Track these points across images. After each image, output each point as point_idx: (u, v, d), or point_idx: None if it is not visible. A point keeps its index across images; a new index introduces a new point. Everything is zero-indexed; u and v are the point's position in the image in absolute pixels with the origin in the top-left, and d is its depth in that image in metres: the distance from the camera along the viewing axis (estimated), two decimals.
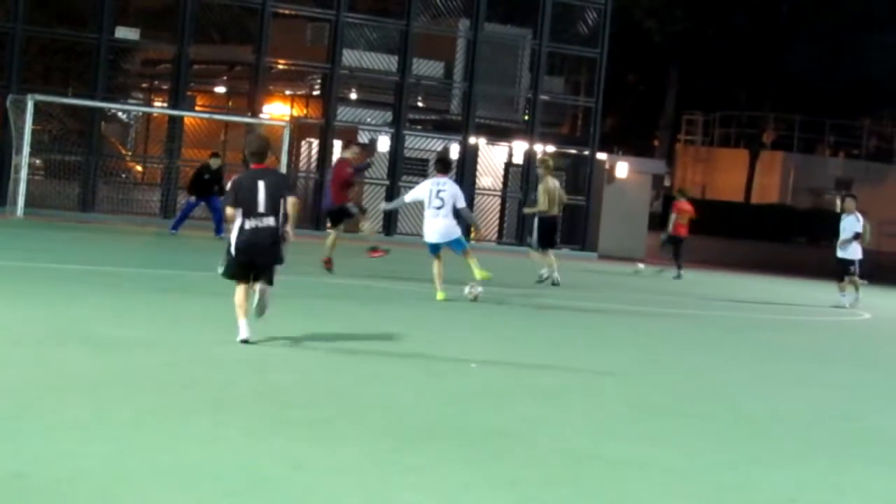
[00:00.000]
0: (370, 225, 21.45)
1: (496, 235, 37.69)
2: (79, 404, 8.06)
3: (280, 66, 36.10)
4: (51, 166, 32.47)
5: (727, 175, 51.05)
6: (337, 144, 35.46)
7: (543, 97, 38.11)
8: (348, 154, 20.78)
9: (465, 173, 36.42)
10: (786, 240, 45.58)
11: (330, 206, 20.49)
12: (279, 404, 8.63)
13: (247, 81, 35.37)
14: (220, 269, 11.64)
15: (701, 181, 52.30)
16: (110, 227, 29.07)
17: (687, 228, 30.89)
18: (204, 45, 34.82)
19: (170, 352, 10.71)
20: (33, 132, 29.51)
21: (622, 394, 10.64)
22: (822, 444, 9.12)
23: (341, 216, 20.20)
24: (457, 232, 17.49)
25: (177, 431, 7.50)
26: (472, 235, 37.37)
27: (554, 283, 22.48)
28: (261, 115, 34.41)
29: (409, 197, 18.32)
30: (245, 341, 11.17)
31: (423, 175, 36.03)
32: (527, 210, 23.44)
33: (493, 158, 37.92)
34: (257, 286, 11.41)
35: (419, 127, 37.90)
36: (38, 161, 31.90)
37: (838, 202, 27.13)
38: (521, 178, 37.51)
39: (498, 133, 38.05)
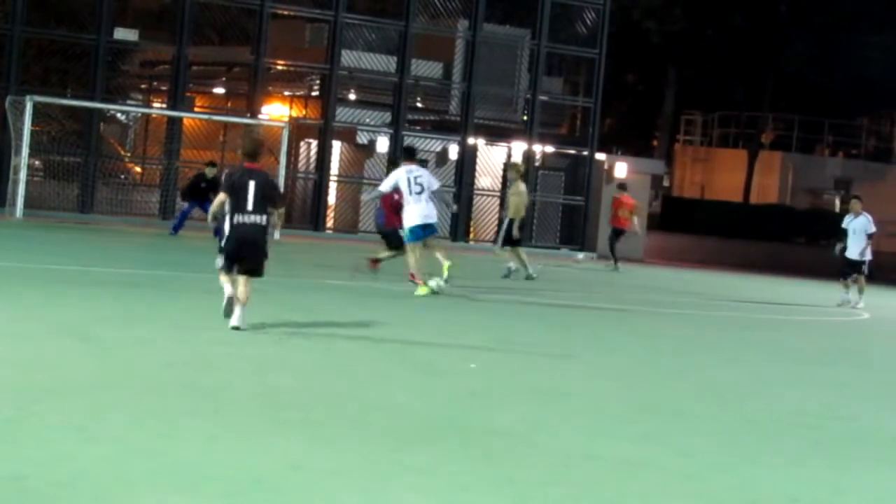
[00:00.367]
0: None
1: (494, 236, 37.64)
2: (77, 406, 8.05)
3: (279, 67, 36.10)
4: (50, 167, 32.46)
5: (726, 175, 51.05)
6: (336, 145, 35.47)
7: (542, 97, 38.11)
8: None
9: (464, 174, 36.42)
10: (785, 240, 45.59)
11: (383, 229, 20.39)
12: (278, 405, 8.62)
13: (245, 82, 35.37)
14: (219, 264, 12.29)
15: (700, 181, 52.31)
16: (109, 228, 29.06)
17: (629, 222, 31.71)
18: (202, 46, 34.80)
19: (168, 353, 10.70)
20: (32, 133, 29.51)
21: (621, 393, 10.63)
22: (822, 444, 9.12)
23: (394, 239, 19.83)
24: (436, 216, 18.17)
25: (175, 432, 7.49)
26: (472, 236, 37.39)
27: (528, 277, 22.89)
28: (260, 116, 34.40)
29: (386, 185, 18.31)
30: (230, 309, 12.17)
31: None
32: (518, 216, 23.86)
33: (492, 159, 37.92)
34: (241, 279, 12.08)
35: (418, 128, 37.90)
36: (37, 162, 31.89)
37: (837, 202, 27.16)
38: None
39: (497, 133, 38.05)
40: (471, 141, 36.73)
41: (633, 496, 6.99)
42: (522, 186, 23.89)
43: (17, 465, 6.45)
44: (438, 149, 36.61)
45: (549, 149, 38.68)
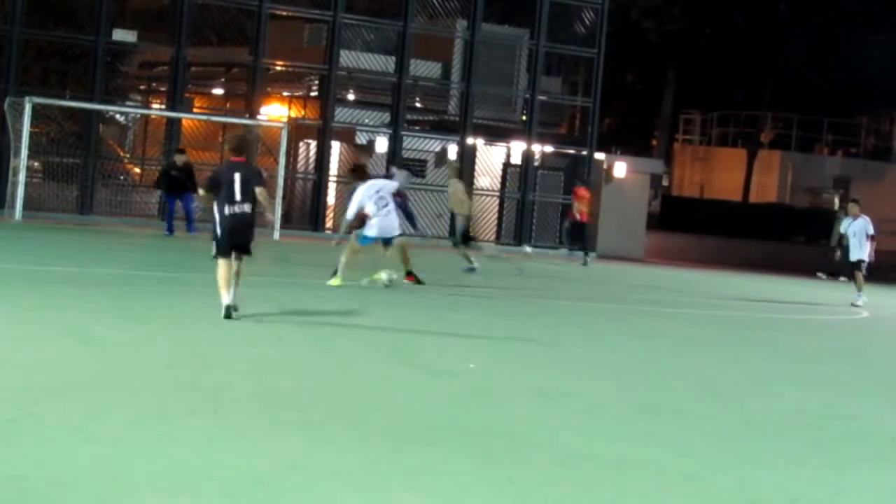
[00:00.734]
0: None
1: (494, 236, 37.65)
2: (77, 406, 8.05)
3: (277, 68, 36.08)
4: (49, 169, 32.44)
5: (725, 174, 51.02)
6: (335, 145, 35.46)
7: (541, 97, 38.10)
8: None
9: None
10: (784, 239, 45.57)
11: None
12: (277, 405, 8.62)
13: (244, 83, 35.35)
14: (213, 253, 13.32)
15: (699, 180, 52.28)
16: (109, 229, 29.05)
17: (586, 215, 32.44)
18: (201, 47, 34.77)
19: (168, 353, 10.71)
20: (31, 135, 29.49)
21: (620, 393, 10.63)
22: (822, 443, 9.12)
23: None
24: (398, 227, 18.93)
25: (175, 433, 7.49)
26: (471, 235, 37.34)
27: (470, 270, 23.29)
28: (258, 117, 34.40)
29: (351, 212, 18.51)
30: (228, 315, 12.90)
31: (422, 176, 36.04)
32: (461, 212, 24.29)
33: (491, 159, 37.92)
34: (234, 264, 13.18)
35: (417, 128, 37.89)
36: (36, 163, 31.86)
37: (836, 201, 27.26)
38: (520, 178, 37.50)
39: (496, 133, 38.05)
40: (470, 141, 36.73)
41: (633, 496, 6.99)
42: (457, 184, 24.42)
43: (17, 466, 6.45)
44: (437, 149, 36.60)
45: (549, 148, 38.67)
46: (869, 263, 24.03)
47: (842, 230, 24.61)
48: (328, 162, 35.02)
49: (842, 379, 13.29)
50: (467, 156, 36.62)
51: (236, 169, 13.24)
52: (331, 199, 35.51)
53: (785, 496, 7.32)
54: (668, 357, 13.84)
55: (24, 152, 29.20)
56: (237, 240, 13.22)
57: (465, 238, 24.00)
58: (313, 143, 35.49)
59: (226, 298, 13.03)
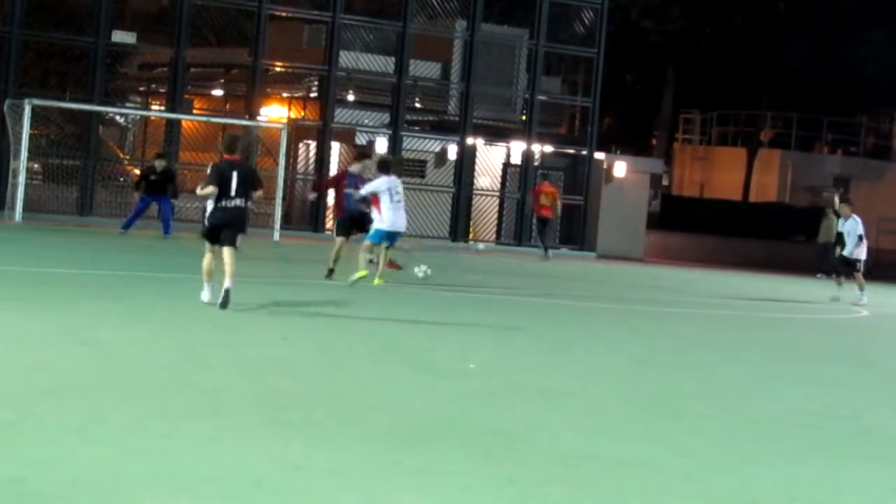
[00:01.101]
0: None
1: (494, 236, 37.67)
2: (77, 408, 8.05)
3: (277, 69, 36.08)
4: (49, 170, 32.45)
5: (725, 173, 51.02)
6: (335, 146, 35.46)
7: (541, 97, 38.11)
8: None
9: (463, 174, 36.42)
10: (784, 238, 45.57)
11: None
12: (277, 406, 8.62)
13: (244, 84, 35.36)
14: (202, 231, 14.62)
15: (699, 180, 52.27)
16: (108, 231, 29.04)
17: (550, 210, 32.99)
18: (201, 48, 34.78)
19: (168, 354, 10.70)
20: (31, 136, 29.49)
21: (620, 393, 10.63)
22: (823, 443, 9.11)
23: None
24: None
25: (175, 433, 7.49)
26: (472, 236, 37.40)
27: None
28: (258, 118, 34.40)
29: (363, 192, 19.12)
30: (225, 305, 13.76)
31: (422, 177, 36.05)
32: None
33: (491, 159, 37.92)
34: (225, 251, 14.18)
35: (417, 128, 37.91)
36: (36, 165, 31.87)
37: (836, 199, 27.32)
38: (519, 178, 37.51)
39: (495, 133, 38.05)
40: (470, 141, 36.73)
41: (633, 496, 6.98)
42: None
43: (17, 468, 6.45)
44: (437, 149, 36.60)
45: (548, 148, 38.67)
46: (857, 263, 24.18)
47: (838, 230, 24.94)
48: (328, 163, 35.02)
49: (842, 378, 13.28)
50: (467, 156, 36.63)
51: (234, 167, 14.35)
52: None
53: (785, 496, 7.31)
54: (668, 357, 13.84)
55: (24, 154, 29.21)
56: (227, 229, 14.26)
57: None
58: (313, 144, 35.50)
59: (206, 293, 14.36)
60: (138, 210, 27.81)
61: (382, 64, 36.01)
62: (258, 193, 14.71)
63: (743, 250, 43.16)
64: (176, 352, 10.93)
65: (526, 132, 37.71)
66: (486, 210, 37.75)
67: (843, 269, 24.68)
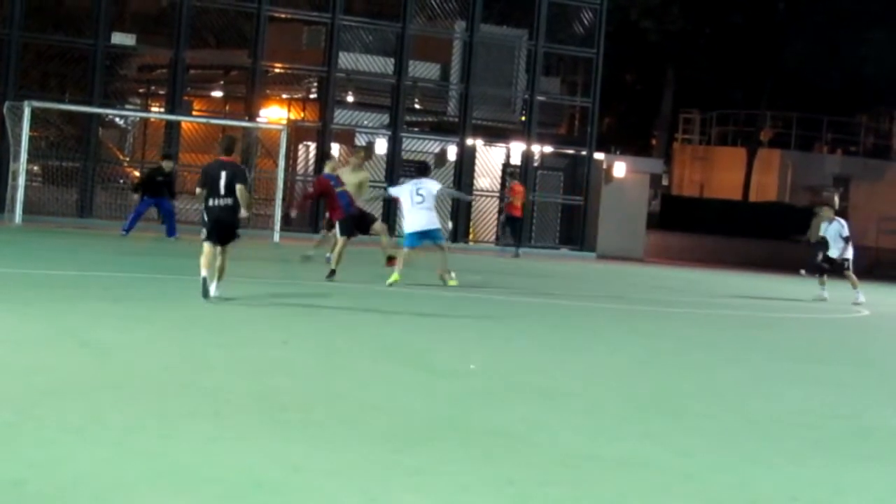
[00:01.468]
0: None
1: (494, 236, 37.66)
2: (77, 409, 8.05)
3: (276, 70, 36.09)
4: (48, 173, 32.46)
5: (725, 173, 51.03)
6: (335, 147, 35.46)
7: (540, 98, 38.12)
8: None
9: (462, 174, 36.41)
10: (784, 237, 45.57)
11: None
12: (277, 407, 8.62)
13: (243, 85, 35.36)
14: (203, 235, 15.02)
15: (699, 180, 52.27)
16: (108, 232, 29.04)
17: (520, 209, 33.75)
18: (200, 50, 34.78)
19: (167, 355, 10.70)
20: (31, 139, 29.49)
21: (620, 393, 10.63)
22: (823, 443, 9.11)
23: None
24: (438, 223, 19.44)
25: (175, 434, 7.49)
26: (472, 236, 37.40)
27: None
28: (258, 119, 34.40)
29: (391, 192, 20.28)
30: (205, 293, 14.58)
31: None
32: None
33: (491, 159, 37.92)
34: (218, 249, 14.81)
35: (416, 129, 37.91)
36: (35, 167, 31.88)
37: (836, 199, 27.40)
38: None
39: (495, 134, 38.06)
40: (469, 142, 36.73)
41: (633, 496, 6.98)
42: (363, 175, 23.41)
43: (17, 469, 6.45)
44: (437, 150, 36.60)
45: (548, 149, 38.68)
46: (846, 262, 24.31)
47: (821, 233, 25.18)
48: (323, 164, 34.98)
49: (843, 378, 13.28)
50: (466, 157, 36.63)
51: (224, 167, 14.95)
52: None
53: (785, 496, 7.31)
54: (668, 357, 13.83)
55: (24, 156, 29.21)
56: (218, 227, 14.87)
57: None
58: (313, 146, 35.50)
59: (213, 288, 14.80)
60: (139, 212, 27.72)
61: (382, 65, 36.02)
62: (240, 187, 14.89)
63: (743, 250, 43.16)
64: (176, 352, 10.93)
65: (525, 133, 37.72)
66: (485, 211, 37.76)
67: (830, 269, 24.72)
